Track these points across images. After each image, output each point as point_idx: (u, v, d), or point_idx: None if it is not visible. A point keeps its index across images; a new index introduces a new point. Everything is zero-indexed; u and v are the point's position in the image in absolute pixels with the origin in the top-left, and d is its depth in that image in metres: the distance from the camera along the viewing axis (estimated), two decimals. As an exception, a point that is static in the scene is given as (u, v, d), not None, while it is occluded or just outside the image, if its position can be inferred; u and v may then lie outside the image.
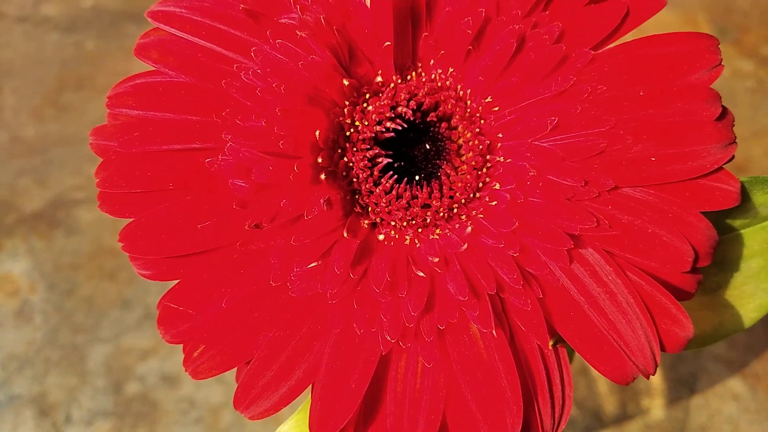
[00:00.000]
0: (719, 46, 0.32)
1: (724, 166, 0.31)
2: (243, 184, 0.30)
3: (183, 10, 0.32)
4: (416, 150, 0.34)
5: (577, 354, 0.31)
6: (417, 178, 0.33)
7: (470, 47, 0.32)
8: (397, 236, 0.32)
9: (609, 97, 0.31)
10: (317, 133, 0.30)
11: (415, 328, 0.29)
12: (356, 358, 0.30)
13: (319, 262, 0.30)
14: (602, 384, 0.66)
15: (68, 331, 0.78)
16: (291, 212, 0.30)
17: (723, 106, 0.31)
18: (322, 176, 0.31)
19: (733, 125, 0.32)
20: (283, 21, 0.31)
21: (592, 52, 0.31)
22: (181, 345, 0.31)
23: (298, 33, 0.30)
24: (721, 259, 0.34)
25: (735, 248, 0.34)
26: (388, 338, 0.29)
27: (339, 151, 0.32)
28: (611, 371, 0.30)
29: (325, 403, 0.29)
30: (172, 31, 0.32)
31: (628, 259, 0.30)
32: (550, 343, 0.30)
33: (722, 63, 0.31)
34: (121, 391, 0.72)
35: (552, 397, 0.30)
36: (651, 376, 0.29)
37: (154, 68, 0.32)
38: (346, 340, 0.30)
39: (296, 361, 0.30)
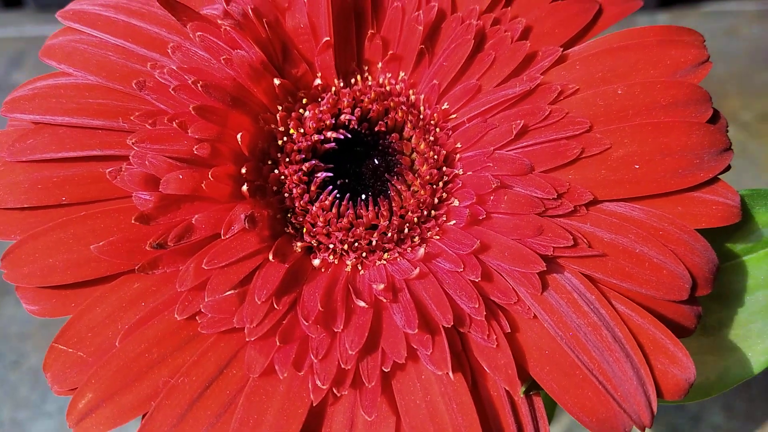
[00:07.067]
0: (704, 43, 0.28)
1: (720, 177, 0.26)
2: (148, 197, 0.25)
3: (97, 8, 0.28)
4: (363, 167, 0.29)
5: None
6: (363, 196, 0.28)
7: (422, 46, 0.28)
8: (336, 261, 0.27)
9: (582, 97, 0.27)
10: (239, 136, 0.26)
11: (354, 371, 0.24)
12: (280, 411, 0.24)
13: (237, 290, 0.24)
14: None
15: (10, 406, 0.73)
16: (205, 230, 0.25)
17: (714, 109, 0.27)
18: (244, 188, 0.26)
19: (727, 130, 0.27)
20: (205, 12, 0.27)
21: (561, 50, 0.27)
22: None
23: (221, 23, 0.26)
24: (722, 292, 0.29)
25: (738, 279, 0.29)
26: (319, 384, 0.23)
27: (269, 162, 0.28)
28: (598, 423, 0.24)
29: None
30: (83, 28, 0.28)
31: (614, 285, 0.25)
32: (522, 389, 0.24)
33: (710, 60, 0.27)
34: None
35: (526, 459, 0.24)
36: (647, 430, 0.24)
37: (59, 70, 0.28)
38: (266, 388, 0.24)
39: (202, 415, 0.23)
